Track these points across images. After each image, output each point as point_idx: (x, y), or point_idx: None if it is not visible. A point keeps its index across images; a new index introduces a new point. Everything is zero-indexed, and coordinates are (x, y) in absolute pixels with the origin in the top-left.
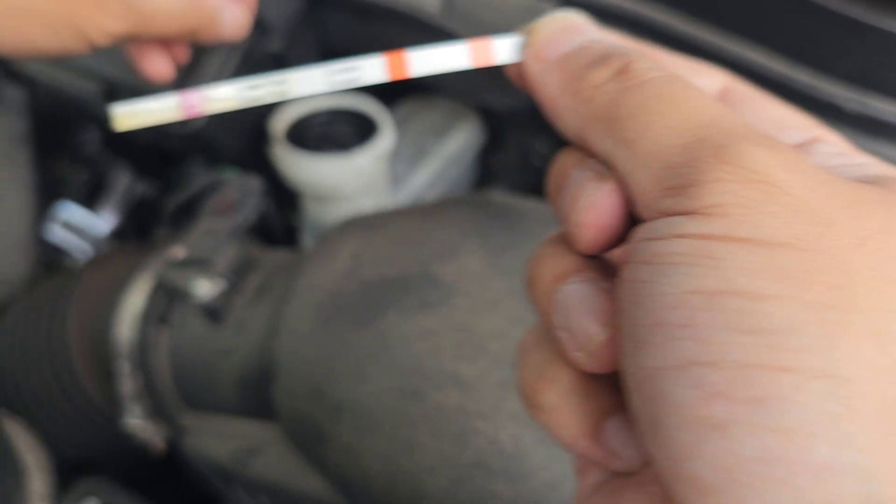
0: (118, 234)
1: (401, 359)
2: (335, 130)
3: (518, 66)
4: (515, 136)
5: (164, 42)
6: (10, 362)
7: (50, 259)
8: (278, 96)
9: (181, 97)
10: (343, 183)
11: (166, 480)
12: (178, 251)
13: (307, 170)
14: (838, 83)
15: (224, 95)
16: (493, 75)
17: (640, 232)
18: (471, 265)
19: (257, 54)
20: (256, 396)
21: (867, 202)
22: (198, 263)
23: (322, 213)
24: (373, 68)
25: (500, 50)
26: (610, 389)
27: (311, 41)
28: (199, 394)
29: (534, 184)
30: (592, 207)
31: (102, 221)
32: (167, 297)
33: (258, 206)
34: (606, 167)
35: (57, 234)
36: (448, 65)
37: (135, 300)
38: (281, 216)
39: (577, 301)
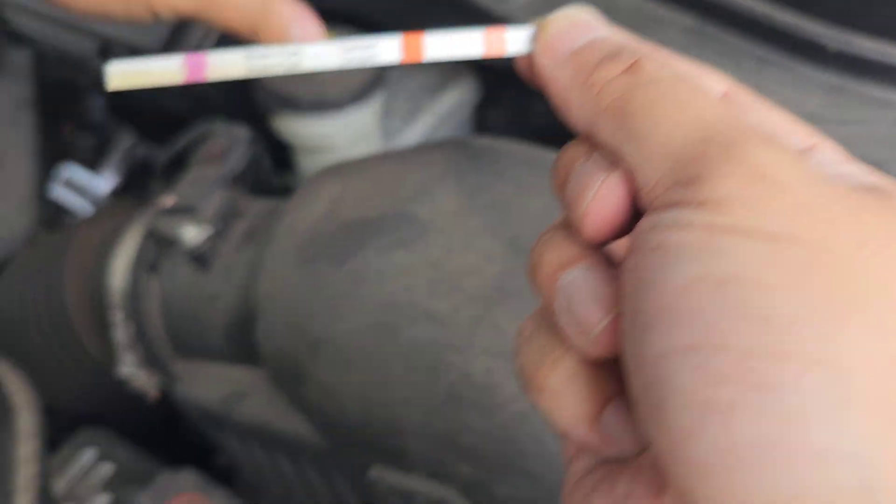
0: (118, 194)
1: (375, 295)
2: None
3: (528, 59)
4: (511, 95)
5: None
6: (11, 317)
7: (52, 217)
8: (289, 68)
9: (185, 60)
10: (334, 137)
11: (164, 429)
12: (168, 200)
13: (299, 124)
14: (821, 22)
15: (231, 63)
16: None
17: (648, 221)
18: (446, 204)
19: None
20: (242, 341)
21: (867, 207)
22: (185, 210)
23: (314, 166)
24: (389, 49)
25: (513, 40)
26: (609, 376)
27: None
28: (189, 341)
29: (528, 143)
30: (600, 197)
31: (103, 181)
32: (157, 246)
33: (246, 155)
34: (613, 160)
35: (59, 193)
36: (462, 51)
37: (127, 250)
38: (278, 176)
39: (580, 287)
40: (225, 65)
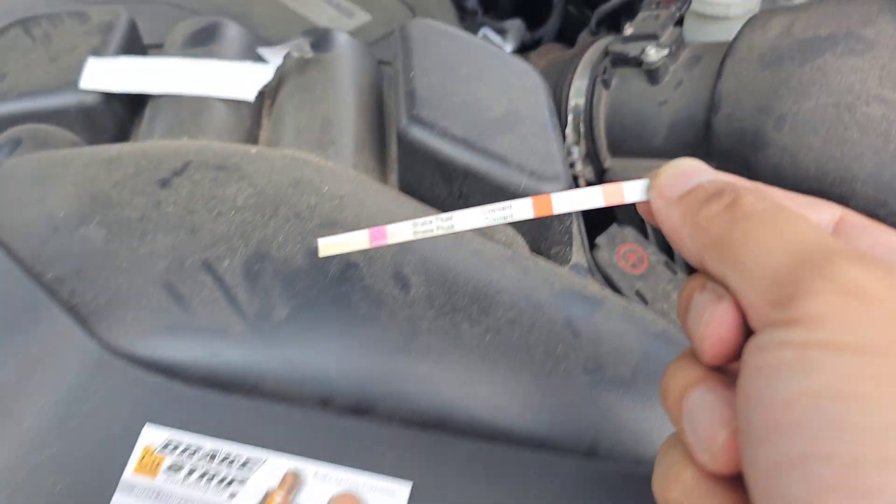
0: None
1: (835, 83)
2: None
3: (646, 204)
4: None
5: None
6: None
7: None
8: (446, 230)
9: (370, 234)
10: (732, 7)
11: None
12: (628, 30)
13: None
14: None
15: (403, 231)
16: None
17: (752, 343)
18: (887, 28)
19: None
20: (683, 135)
21: None
22: (647, 37)
23: (696, 33)
24: (522, 208)
25: (630, 192)
26: (730, 490)
27: None
28: (626, 140)
29: None
30: (712, 323)
31: (508, 44)
32: (612, 64)
33: (686, 4)
34: (723, 288)
35: None
36: (585, 205)
37: (585, 67)
38: None
39: (702, 406)
40: (399, 233)
